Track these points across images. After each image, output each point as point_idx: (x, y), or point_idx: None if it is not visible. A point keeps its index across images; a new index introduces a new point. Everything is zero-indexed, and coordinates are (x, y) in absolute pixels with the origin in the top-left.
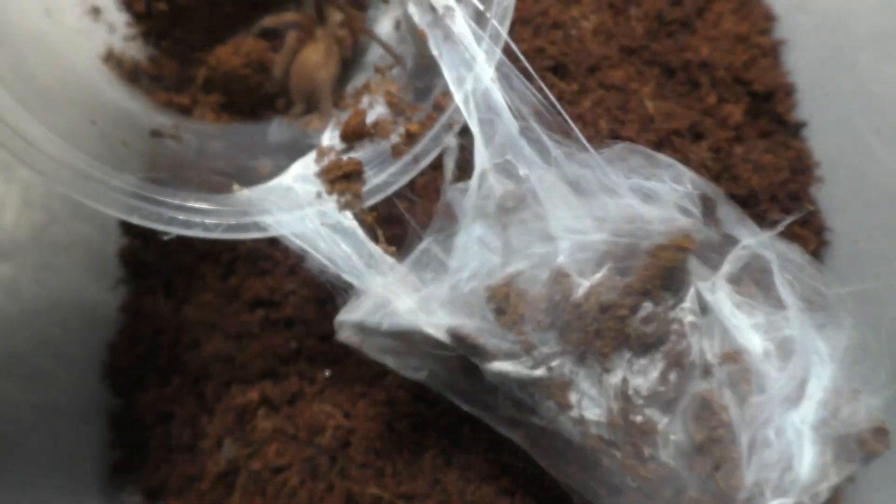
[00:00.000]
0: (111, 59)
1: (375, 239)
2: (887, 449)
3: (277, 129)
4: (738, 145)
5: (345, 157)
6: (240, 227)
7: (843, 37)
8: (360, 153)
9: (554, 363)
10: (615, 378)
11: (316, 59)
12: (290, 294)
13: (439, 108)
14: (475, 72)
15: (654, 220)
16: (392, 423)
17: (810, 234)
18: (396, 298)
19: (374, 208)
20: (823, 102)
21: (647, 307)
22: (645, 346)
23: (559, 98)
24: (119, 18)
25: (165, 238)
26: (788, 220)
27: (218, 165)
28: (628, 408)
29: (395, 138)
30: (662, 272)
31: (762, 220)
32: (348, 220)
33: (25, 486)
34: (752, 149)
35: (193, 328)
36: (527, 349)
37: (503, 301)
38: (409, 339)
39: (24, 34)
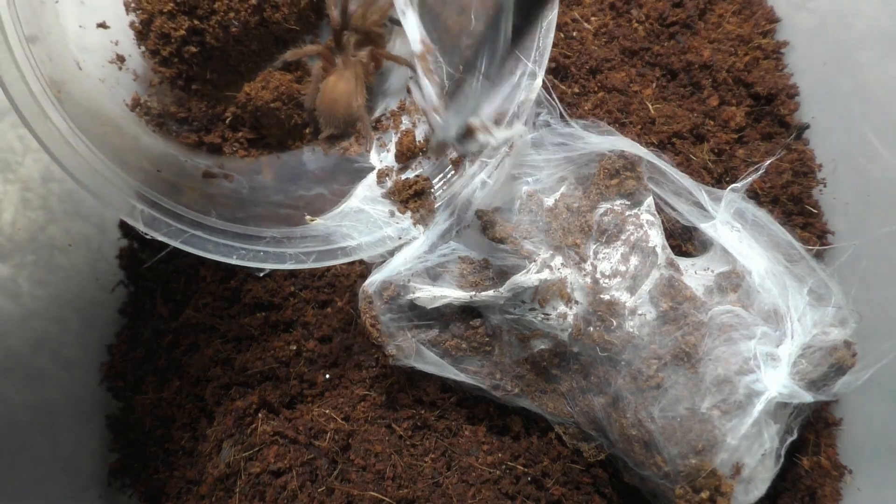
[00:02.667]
0: (138, 106)
1: None
2: (855, 358)
3: (313, 157)
4: (740, 148)
5: (412, 176)
6: (329, 255)
7: (845, 38)
8: (418, 170)
9: (553, 263)
10: (588, 267)
11: (344, 86)
12: (289, 297)
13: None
14: (527, 80)
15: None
16: (392, 426)
17: (812, 237)
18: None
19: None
20: (825, 104)
21: (604, 205)
22: (608, 237)
23: (560, 100)
24: (143, 65)
25: (261, 275)
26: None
27: (276, 198)
28: (598, 288)
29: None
30: (610, 173)
31: None
32: (421, 233)
33: (23, 489)
34: (755, 151)
35: (192, 331)
36: (526, 256)
37: (489, 219)
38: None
39: (71, 89)
